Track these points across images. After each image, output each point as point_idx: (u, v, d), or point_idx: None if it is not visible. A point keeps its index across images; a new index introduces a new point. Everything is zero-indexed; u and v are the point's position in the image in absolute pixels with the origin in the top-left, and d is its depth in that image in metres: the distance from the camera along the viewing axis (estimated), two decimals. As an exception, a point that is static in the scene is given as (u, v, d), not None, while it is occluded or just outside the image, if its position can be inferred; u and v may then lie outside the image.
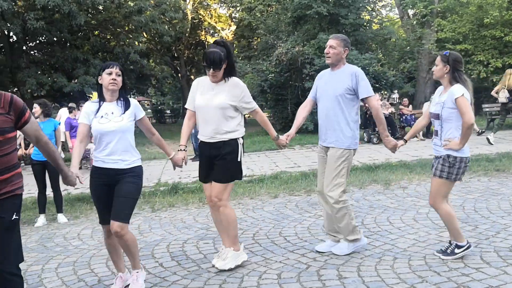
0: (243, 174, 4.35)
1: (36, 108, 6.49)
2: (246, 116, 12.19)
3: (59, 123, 6.92)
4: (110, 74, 3.49)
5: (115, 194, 3.45)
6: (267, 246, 4.52)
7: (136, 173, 3.55)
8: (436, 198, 3.87)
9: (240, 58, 20.66)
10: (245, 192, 7.27)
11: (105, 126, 3.46)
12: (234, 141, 3.91)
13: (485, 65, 17.90)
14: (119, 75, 3.53)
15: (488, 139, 10.92)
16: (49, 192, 6.55)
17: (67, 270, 4.23)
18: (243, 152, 4.03)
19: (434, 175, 3.85)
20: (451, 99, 3.69)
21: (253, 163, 10.68)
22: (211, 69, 3.80)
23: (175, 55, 31.76)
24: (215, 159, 3.90)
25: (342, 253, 4.11)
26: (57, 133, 6.60)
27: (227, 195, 3.96)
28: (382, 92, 16.23)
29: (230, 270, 3.89)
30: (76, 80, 18.43)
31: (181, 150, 4.00)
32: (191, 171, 10.07)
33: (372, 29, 16.44)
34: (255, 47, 27.22)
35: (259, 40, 20.23)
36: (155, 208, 6.63)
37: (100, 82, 3.55)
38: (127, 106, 3.57)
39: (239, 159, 3.95)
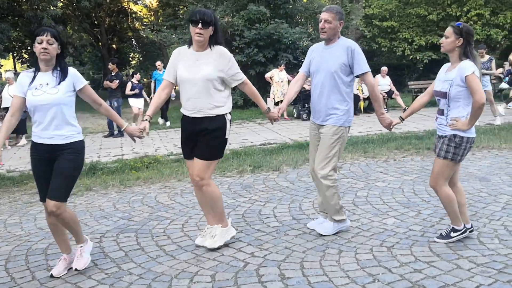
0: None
1: None
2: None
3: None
4: (40, 42, 3.19)
5: (54, 169, 3.25)
6: (198, 239, 4.01)
7: (74, 149, 3.31)
8: (438, 179, 3.61)
9: (165, 28, 19.49)
10: (171, 173, 6.69)
11: (39, 99, 3.21)
12: (222, 117, 3.66)
13: (409, 43, 18.24)
14: (51, 44, 3.21)
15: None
16: None
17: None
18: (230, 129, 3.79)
19: (438, 156, 3.60)
20: (460, 77, 3.41)
21: (178, 140, 10.03)
22: (199, 25, 3.46)
23: (95, 22, 29.74)
24: (200, 135, 3.65)
25: (327, 233, 3.96)
26: None
27: (210, 174, 3.73)
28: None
29: (219, 248, 3.74)
30: (-20, 46, 16.52)
31: (145, 120, 3.71)
32: (111, 148, 9.30)
33: (302, 2, 16.06)
34: (181, 16, 26.05)
35: (185, 8, 19.20)
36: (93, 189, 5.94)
37: (35, 50, 3.24)
38: (63, 76, 3.29)
39: (226, 136, 3.73)
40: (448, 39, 3.49)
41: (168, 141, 9.97)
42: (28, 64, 27.90)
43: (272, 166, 6.81)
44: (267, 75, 13.05)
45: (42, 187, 3.34)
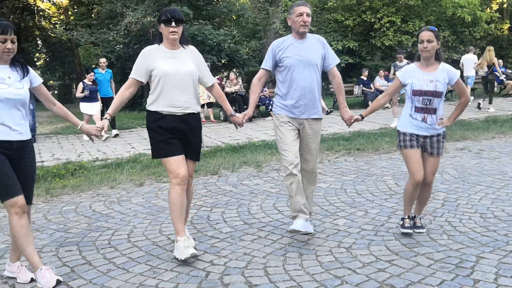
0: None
1: None
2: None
3: None
4: (4, 42, 2.97)
5: (22, 174, 3.11)
6: (149, 250, 3.76)
7: (32, 146, 3.24)
8: (434, 176, 3.89)
9: (78, 27, 18.53)
10: (102, 180, 6.29)
11: (6, 92, 3.00)
12: (199, 114, 3.70)
13: (327, 47, 18.85)
14: (14, 42, 3.01)
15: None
16: None
17: None
18: None
19: (438, 154, 3.82)
20: (450, 78, 3.70)
21: (104, 145, 9.54)
22: (173, 23, 3.42)
23: (-3, 19, 27.60)
24: (188, 135, 3.58)
25: (311, 230, 3.75)
26: None
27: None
28: (235, 70, 16.01)
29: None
30: None
31: (105, 118, 3.59)
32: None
33: (226, 3, 16.00)
34: (93, 15, 24.94)
35: (100, 7, 18.37)
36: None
37: None
38: (26, 71, 3.14)
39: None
40: (433, 43, 3.64)
41: (91, 146, 9.41)
42: None
43: (210, 170, 6.65)
44: (192, 77, 12.81)
45: (14, 181, 3.05)
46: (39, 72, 34.87)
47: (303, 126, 3.89)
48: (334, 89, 4.23)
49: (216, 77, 13.16)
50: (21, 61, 3.15)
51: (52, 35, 30.72)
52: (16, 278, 3.26)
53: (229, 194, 5.36)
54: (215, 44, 14.18)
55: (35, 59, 36.61)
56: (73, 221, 4.60)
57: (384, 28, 17.85)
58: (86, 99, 10.11)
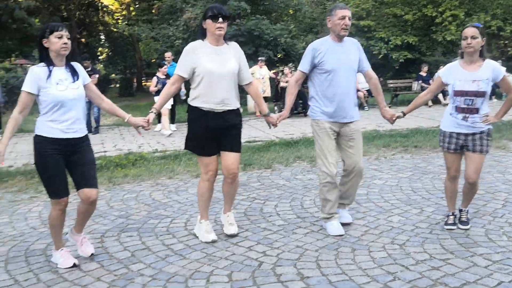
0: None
1: None
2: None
3: None
4: (60, 37, 3.16)
5: (78, 162, 3.31)
6: (205, 238, 3.90)
7: (88, 140, 3.44)
8: (479, 174, 3.84)
9: (140, 22, 19.15)
10: (161, 171, 6.53)
11: (65, 94, 3.18)
12: (239, 110, 3.81)
13: (385, 42, 18.47)
14: (69, 39, 3.22)
15: None
16: None
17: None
18: None
19: (481, 152, 3.78)
20: (495, 76, 3.64)
21: (162, 137, 9.87)
22: (220, 19, 3.50)
23: (65, 15, 28.97)
24: (227, 129, 3.69)
25: (350, 220, 4.13)
26: None
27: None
28: (290, 64, 16.01)
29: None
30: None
31: (151, 112, 3.68)
32: (96, 145, 9.02)
33: (283, -2, 16.04)
34: (154, 11, 25.66)
35: (161, 2, 18.87)
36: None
37: (45, 45, 3.19)
38: (77, 72, 3.32)
39: None
40: (477, 39, 3.57)
41: (150, 138, 9.77)
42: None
43: (263, 164, 6.74)
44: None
45: (63, 181, 3.28)
46: (101, 66, 36.28)
47: (343, 128, 3.94)
48: (371, 90, 4.21)
49: (272, 71, 13.23)
50: (70, 61, 3.33)
51: (115, 30, 31.93)
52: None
53: (283, 188, 5.42)
54: (271, 38, 14.26)
55: (98, 54, 38.12)
56: (134, 209, 4.82)
57: (446, 22, 17.24)
58: (159, 93, 9.84)
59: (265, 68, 12.83)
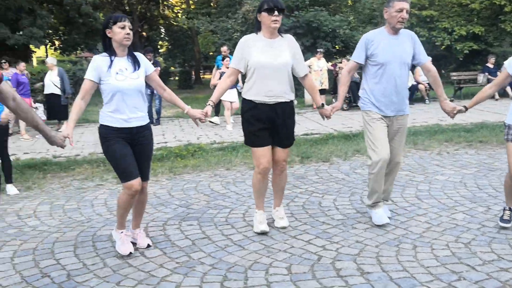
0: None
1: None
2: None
3: (8, 78, 5.94)
4: (123, 28, 3.25)
5: (139, 154, 3.42)
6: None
7: (150, 129, 3.53)
8: None
9: (199, 15, 19.43)
10: (219, 162, 6.63)
11: (124, 84, 3.28)
12: (292, 102, 3.78)
13: (449, 33, 17.76)
14: (131, 29, 3.31)
15: None
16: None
17: (26, 260, 3.47)
18: None
19: None
20: None
21: (221, 129, 10.00)
22: (275, 12, 3.48)
23: (127, 9, 29.90)
24: (278, 122, 3.68)
25: (389, 215, 4.08)
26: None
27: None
28: (348, 56, 15.74)
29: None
30: (21, 32, 16.66)
31: (208, 104, 3.69)
32: (157, 135, 9.29)
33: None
34: (212, 4, 25.96)
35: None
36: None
37: (109, 35, 3.28)
38: (139, 61, 3.40)
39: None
40: None
41: (208, 130, 9.93)
42: (60, 51, 28.17)
43: (321, 157, 6.69)
44: (306, 64, 12.84)
45: (132, 163, 3.34)
46: (161, 59, 37.18)
47: (392, 122, 3.90)
48: (430, 83, 4.10)
49: (330, 63, 13.05)
50: (132, 51, 3.40)
51: (174, 23, 32.60)
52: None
53: (341, 182, 5.36)
54: (330, 30, 14.07)
55: (158, 47, 39.09)
56: (194, 198, 4.93)
57: (517, 11, 16.33)
58: None
59: (323, 60, 12.69)
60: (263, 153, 3.73)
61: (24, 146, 8.49)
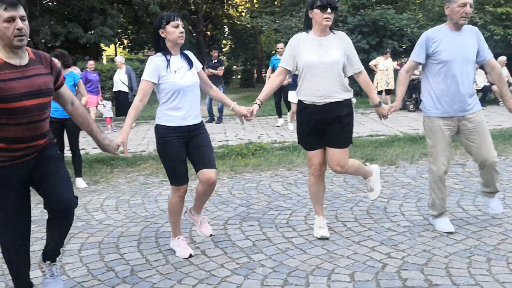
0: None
1: (54, 61, 5.74)
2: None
3: (81, 77, 6.20)
4: (176, 27, 3.25)
5: (196, 145, 3.39)
6: (325, 234, 3.83)
7: (203, 126, 3.52)
8: None
9: (263, 14, 19.48)
10: (280, 162, 6.58)
11: (183, 81, 3.28)
12: (349, 101, 3.60)
13: (526, 31, 16.66)
14: (183, 28, 3.31)
15: None
16: (67, 152, 5.91)
17: (92, 254, 3.58)
18: None
19: None
20: None
21: (281, 128, 9.95)
22: (328, 9, 3.36)
23: (193, 9, 30.53)
24: (331, 123, 3.52)
25: (502, 210, 4.03)
26: (81, 87, 6.17)
27: (348, 159, 3.67)
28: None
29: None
30: (92, 31, 17.47)
31: (255, 103, 3.65)
32: (215, 134, 9.39)
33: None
34: (276, 3, 25.94)
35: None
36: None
37: (162, 35, 3.28)
38: (190, 59, 3.42)
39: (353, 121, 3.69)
40: None
41: (270, 129, 9.91)
42: (128, 49, 29.22)
43: (387, 159, 6.47)
44: (372, 63, 12.53)
45: (184, 169, 3.37)
46: (224, 58, 37.68)
47: (462, 122, 3.69)
48: (493, 81, 3.88)
49: (396, 62, 12.65)
50: (183, 50, 3.41)
51: (238, 22, 32.90)
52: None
53: (408, 187, 5.15)
54: (397, 29, 13.63)
55: (222, 46, 39.62)
56: (254, 198, 4.91)
57: None
58: (291, 86, 8.91)
59: (389, 59, 12.33)
60: (314, 154, 3.66)
61: (93, 141, 8.83)
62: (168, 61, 3.28)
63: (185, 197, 3.48)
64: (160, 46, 3.31)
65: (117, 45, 29.93)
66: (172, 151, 3.31)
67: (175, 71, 3.27)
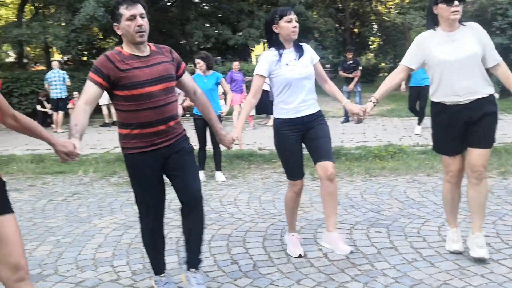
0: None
1: (200, 63, 6.19)
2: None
3: (222, 76, 6.58)
4: (290, 21, 3.23)
5: (312, 137, 3.32)
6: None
7: (322, 115, 3.42)
8: None
9: (411, 10, 18.54)
10: (420, 166, 6.23)
11: (293, 74, 3.26)
12: (493, 96, 3.28)
13: None
14: (297, 21, 3.27)
15: None
16: (209, 147, 6.31)
17: (221, 245, 3.79)
18: None
19: None
20: None
21: (425, 130, 9.39)
22: (455, 2, 3.10)
23: (340, 7, 30.29)
24: (475, 122, 3.22)
25: None
26: (224, 85, 6.58)
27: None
28: None
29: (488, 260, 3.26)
30: (240, 33, 18.43)
31: (370, 101, 3.44)
32: (353, 134, 9.24)
33: None
34: (427, -3, 24.50)
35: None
36: (315, 176, 5.90)
37: (276, 30, 3.28)
38: (303, 50, 3.37)
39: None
40: None
41: (412, 130, 9.43)
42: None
43: (544, 169, 5.74)
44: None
45: (298, 164, 3.38)
46: (372, 55, 36.74)
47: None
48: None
49: None
50: (297, 42, 3.34)
51: (386, 19, 31.80)
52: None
53: None
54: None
55: (370, 43, 38.64)
56: (386, 204, 4.72)
57: None
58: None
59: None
60: (453, 159, 3.37)
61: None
62: (281, 55, 3.30)
63: (300, 195, 3.49)
64: (273, 41, 3.33)
65: (265, 45, 31.01)
66: (287, 144, 3.33)
67: (287, 64, 3.28)
